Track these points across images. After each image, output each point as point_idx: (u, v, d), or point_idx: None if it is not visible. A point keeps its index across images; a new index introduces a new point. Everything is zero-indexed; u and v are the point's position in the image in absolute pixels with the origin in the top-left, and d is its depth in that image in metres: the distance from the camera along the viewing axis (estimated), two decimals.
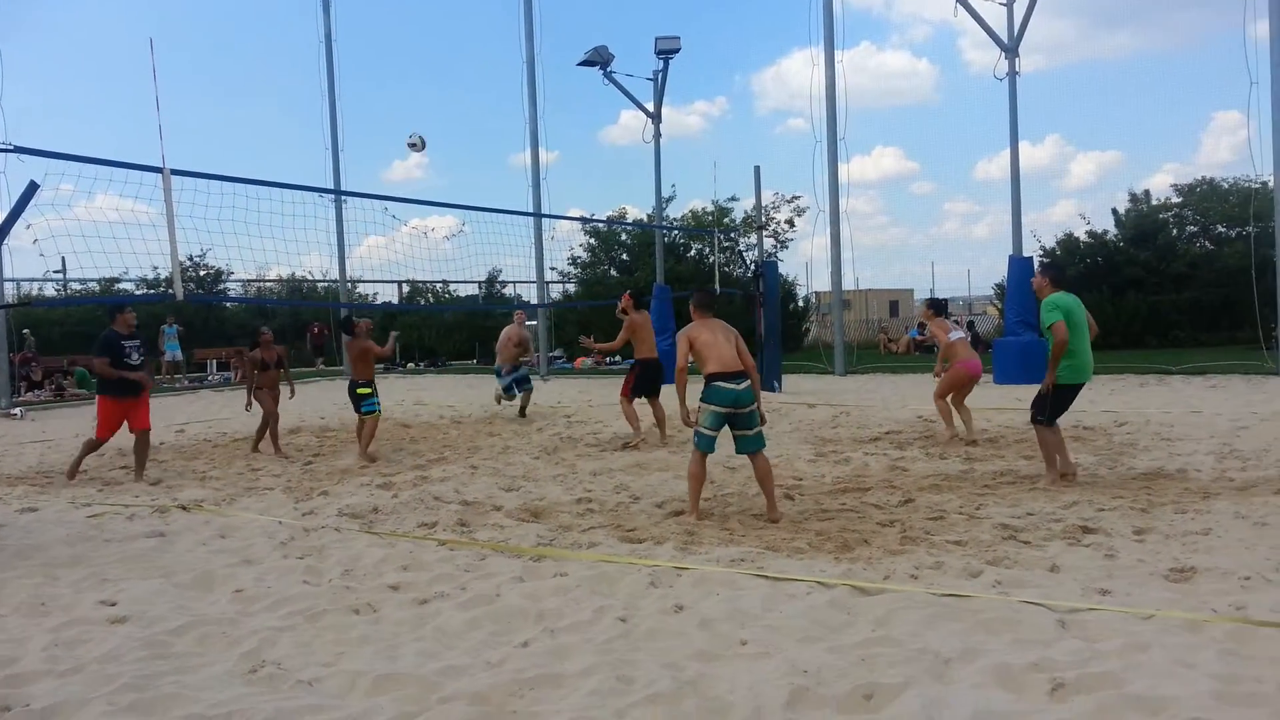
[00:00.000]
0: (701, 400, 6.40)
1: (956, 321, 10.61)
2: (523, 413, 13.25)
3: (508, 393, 13.20)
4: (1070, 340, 6.92)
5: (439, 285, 31.44)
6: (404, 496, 7.35)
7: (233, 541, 6.12)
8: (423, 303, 31.70)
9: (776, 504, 6.41)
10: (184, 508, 7.24)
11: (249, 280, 30.05)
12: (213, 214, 9.64)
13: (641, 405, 10.40)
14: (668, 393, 8.82)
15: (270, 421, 10.50)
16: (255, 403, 10.49)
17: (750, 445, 6.41)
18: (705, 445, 6.43)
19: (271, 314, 31.61)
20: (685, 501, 6.91)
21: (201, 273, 28.53)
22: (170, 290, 9.17)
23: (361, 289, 31.61)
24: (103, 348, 8.70)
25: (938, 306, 10.61)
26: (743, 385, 6.31)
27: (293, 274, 29.93)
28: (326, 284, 30.88)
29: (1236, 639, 3.77)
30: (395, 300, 30.57)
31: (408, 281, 30.36)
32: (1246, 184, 21.91)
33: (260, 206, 10.23)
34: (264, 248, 11.16)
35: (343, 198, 18.95)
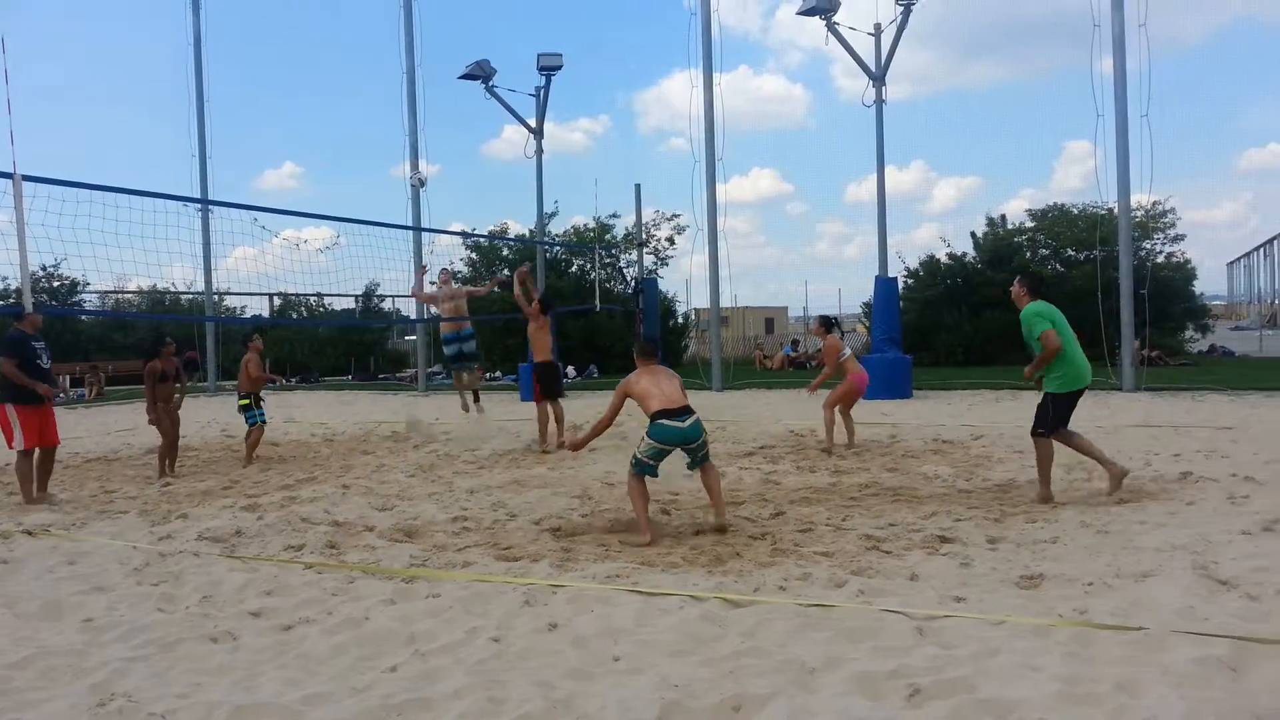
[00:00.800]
0: (647, 434, 6.40)
1: (842, 333, 11.23)
2: (477, 399, 12.86)
3: (455, 363, 12.60)
4: (1062, 347, 6.93)
5: (313, 298, 30.59)
6: (270, 518, 7.09)
7: (83, 568, 5.79)
8: (295, 316, 30.74)
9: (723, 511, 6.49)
10: (29, 532, 6.81)
11: (107, 292, 28.58)
12: (68, 222, 9.14)
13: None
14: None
15: (169, 442, 10.09)
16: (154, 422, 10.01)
17: (701, 461, 6.54)
18: (642, 470, 6.40)
19: (130, 328, 30.12)
20: (562, 519, 6.91)
21: (55, 284, 26.97)
22: (19, 302, 8.63)
23: (229, 301, 30.50)
24: (12, 347, 8.15)
25: (829, 323, 11.06)
26: (688, 421, 6.35)
27: (154, 285, 28.59)
28: (192, 296, 29.63)
29: (1079, 642, 3.99)
30: (266, 313, 29.55)
31: (279, 294, 29.46)
32: (1094, 210, 23.37)
33: (120, 215, 9.75)
34: (124, 258, 10.64)
35: (210, 207, 18.22)
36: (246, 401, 10.60)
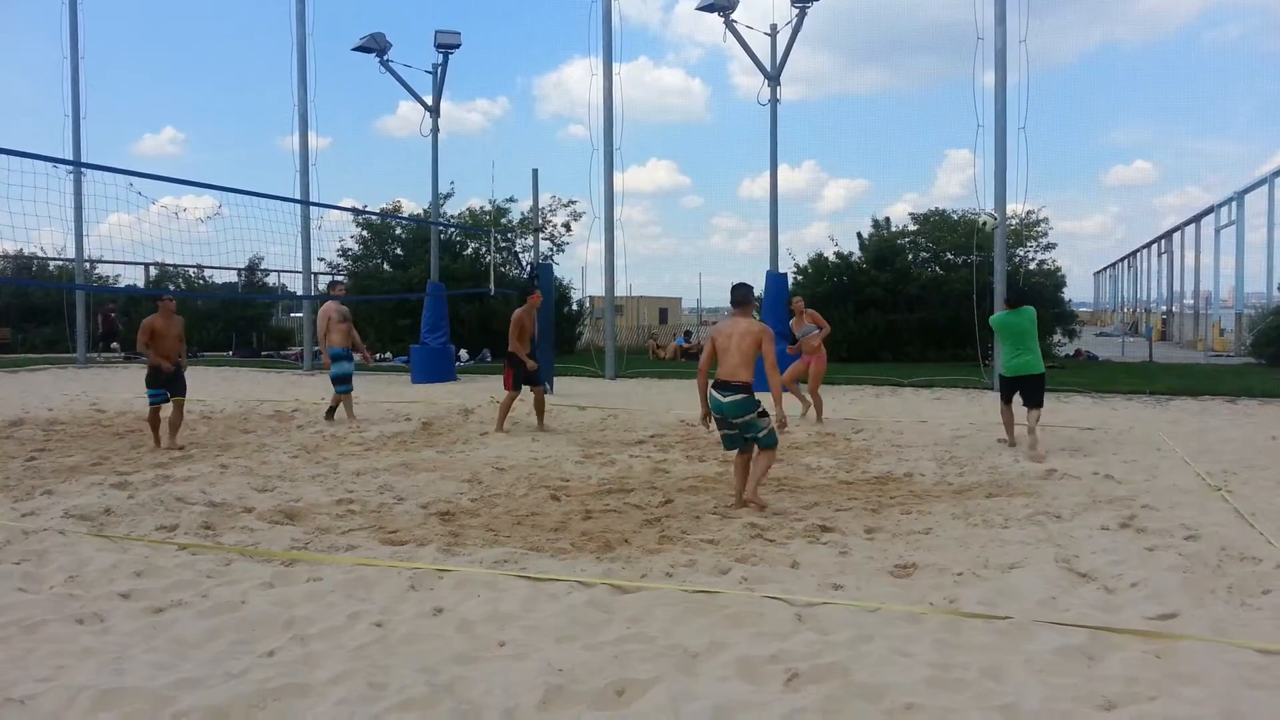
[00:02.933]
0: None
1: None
2: (331, 415, 11.84)
3: (340, 385, 11.66)
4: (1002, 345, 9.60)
5: (193, 270, 29.37)
6: (141, 497, 6.80)
7: None
8: (173, 288, 29.44)
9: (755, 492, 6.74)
10: None
11: None
12: None
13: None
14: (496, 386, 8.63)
15: None
16: None
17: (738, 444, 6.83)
18: (726, 445, 6.89)
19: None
20: (450, 503, 6.86)
21: None
22: None
23: (102, 270, 29.00)
24: None
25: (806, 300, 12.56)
26: (728, 398, 6.64)
27: (20, 250, 26.97)
28: (61, 263, 28.07)
29: (949, 629, 4.19)
30: (141, 283, 28.22)
31: (156, 264, 28.16)
32: (972, 216, 24.29)
33: None
34: None
35: (83, 170, 17.29)
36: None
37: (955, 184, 49.48)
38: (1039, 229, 25.24)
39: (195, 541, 5.65)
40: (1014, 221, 22.72)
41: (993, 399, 15.16)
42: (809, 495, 7.20)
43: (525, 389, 11.07)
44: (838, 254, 25.94)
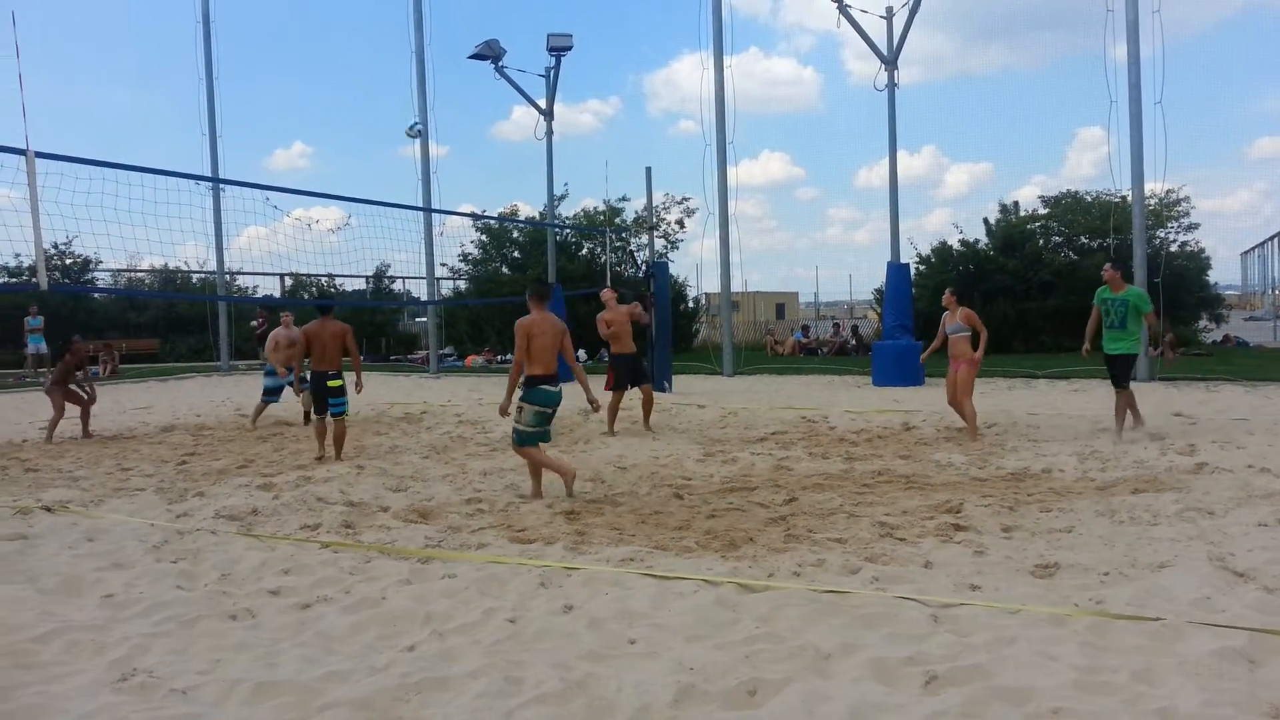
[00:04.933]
0: (525, 400, 7.03)
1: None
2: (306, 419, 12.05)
3: (270, 398, 12.22)
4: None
5: (324, 279, 30.65)
6: (285, 498, 7.14)
7: (101, 545, 5.84)
8: (306, 296, 30.80)
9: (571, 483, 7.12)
10: (48, 509, 6.87)
11: (119, 270, 28.67)
12: (80, 199, 9.23)
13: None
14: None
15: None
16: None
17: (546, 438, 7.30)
18: (532, 441, 7.07)
19: (144, 305, 30.24)
20: (575, 500, 6.94)
21: (68, 261, 27.07)
22: (34, 279, 8.68)
23: (241, 281, 30.59)
24: None
25: (962, 293, 10.26)
26: (558, 388, 7.16)
27: (166, 264, 28.69)
28: (203, 275, 29.72)
29: (1095, 631, 4.00)
30: (277, 293, 29.62)
31: (290, 274, 29.53)
32: (1108, 198, 23.21)
33: (132, 193, 9.84)
34: (135, 236, 10.73)
35: (221, 186, 18.27)
36: (340, 384, 9.33)
37: (1087, 164, 47.39)
38: (1179, 209, 23.97)
39: (337, 540, 5.89)
40: (1153, 201, 21.61)
41: (1137, 390, 14.42)
42: (940, 493, 7.00)
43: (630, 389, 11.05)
44: (962, 241, 25.21)
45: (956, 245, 25.22)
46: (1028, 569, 4.96)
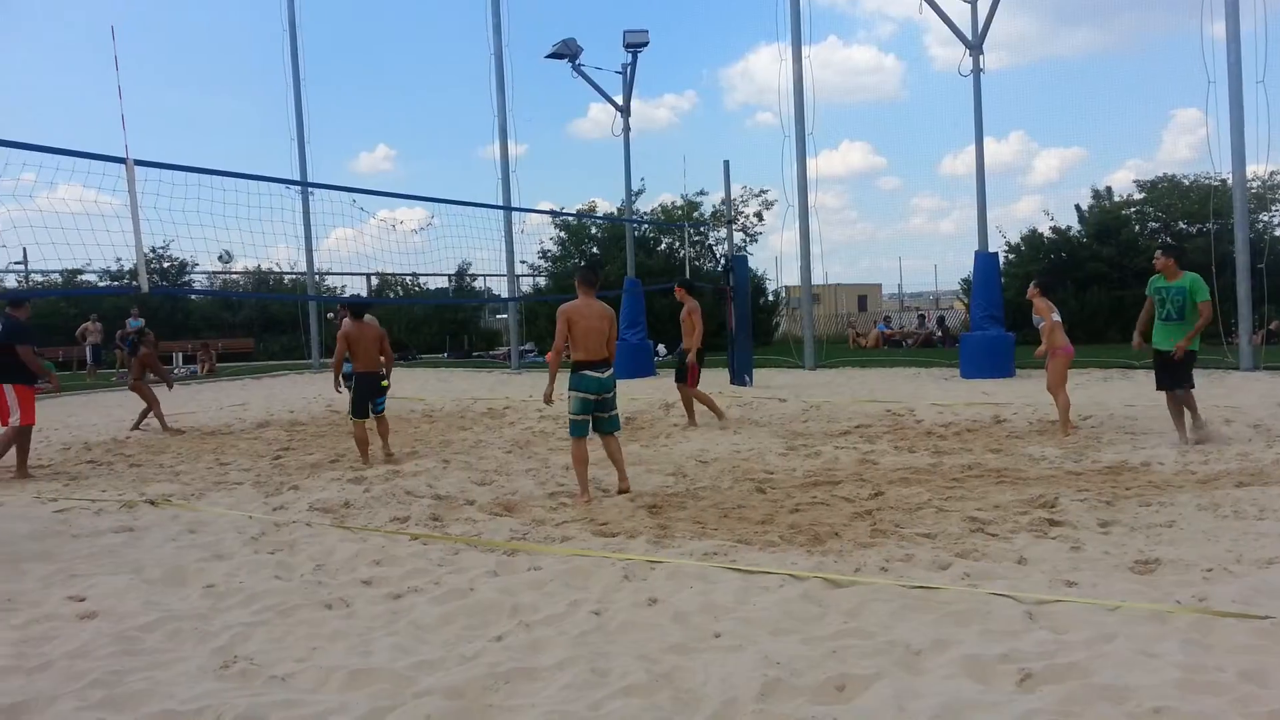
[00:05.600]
0: (570, 389, 6.91)
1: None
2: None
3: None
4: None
5: (408, 278, 31.31)
6: (376, 491, 7.31)
7: (202, 536, 6.07)
8: (392, 295, 31.50)
9: (626, 475, 7.17)
10: (152, 502, 7.17)
11: (214, 272, 29.73)
12: (177, 205, 9.55)
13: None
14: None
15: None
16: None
17: (609, 427, 7.05)
18: (578, 431, 6.91)
19: (238, 307, 31.29)
20: (657, 496, 6.95)
21: (166, 264, 28.16)
22: (135, 282, 9.05)
23: (330, 281, 31.43)
24: (25, 334, 8.73)
25: (1048, 285, 9.88)
26: (607, 373, 6.94)
27: (259, 266, 29.65)
28: (294, 276, 30.60)
29: (1199, 629, 3.85)
30: (364, 293, 30.34)
31: (376, 274, 30.23)
32: (1206, 181, 22.31)
33: (225, 198, 10.15)
34: (229, 239, 11.18)
35: (309, 189, 18.77)
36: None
37: (1184, 147, 45.38)
38: None
39: (425, 532, 6.01)
40: (1255, 184, 20.68)
41: (1239, 380, 13.88)
42: (1033, 487, 6.81)
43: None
44: (1054, 229, 24.51)
45: (1047, 233, 24.54)
46: (1127, 565, 4.79)
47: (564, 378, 7.03)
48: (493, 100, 21.70)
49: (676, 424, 10.94)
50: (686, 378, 10.74)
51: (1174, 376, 8.35)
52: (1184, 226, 23.46)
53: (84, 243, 9.37)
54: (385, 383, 9.22)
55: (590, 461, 7.14)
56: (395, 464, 8.77)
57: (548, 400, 7.09)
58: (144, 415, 12.12)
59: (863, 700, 3.35)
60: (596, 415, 6.98)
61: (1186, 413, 8.44)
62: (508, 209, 20.75)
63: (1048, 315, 9.49)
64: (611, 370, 7.01)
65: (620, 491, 6.97)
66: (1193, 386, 8.40)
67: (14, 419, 8.70)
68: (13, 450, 8.82)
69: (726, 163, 18.26)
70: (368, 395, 9.10)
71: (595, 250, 28.87)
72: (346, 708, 3.41)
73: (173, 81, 55.74)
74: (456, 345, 30.40)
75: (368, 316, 9.52)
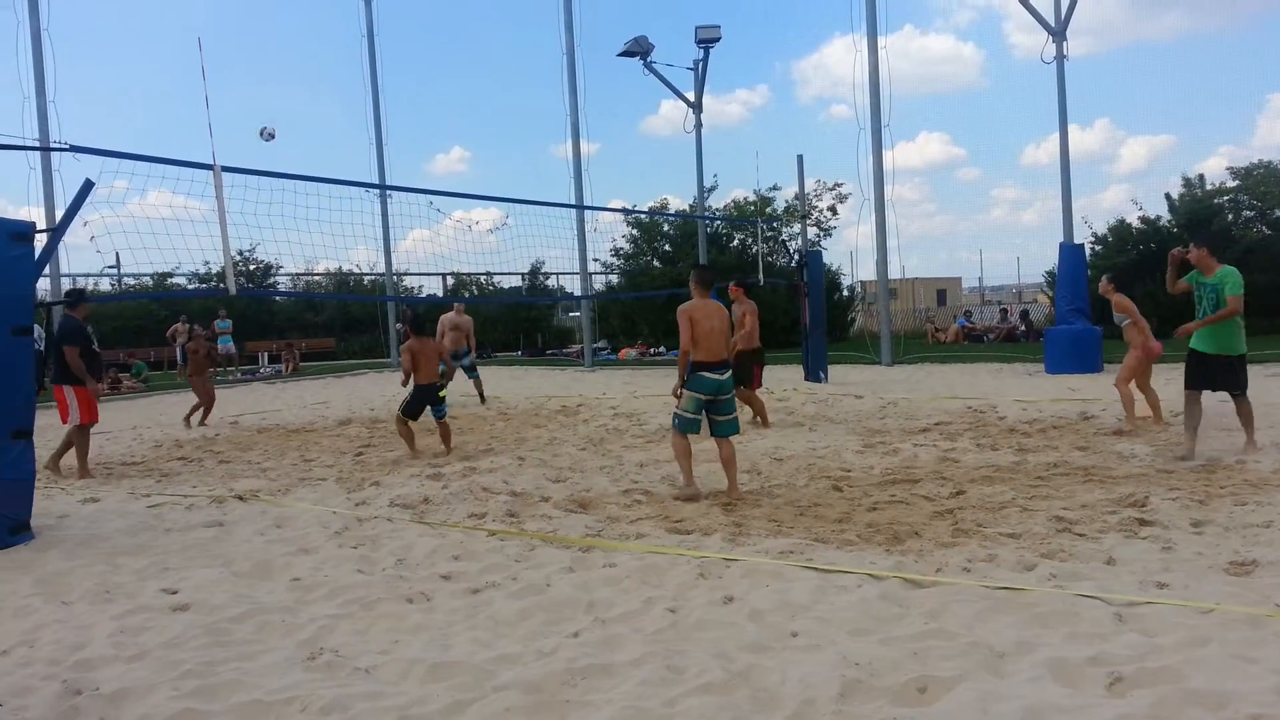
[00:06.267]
0: (685, 387, 6.82)
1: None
2: (482, 399, 14.30)
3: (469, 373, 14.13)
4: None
5: (483, 277, 31.70)
6: (453, 487, 7.43)
7: (289, 531, 6.24)
8: (467, 295, 31.94)
9: (737, 485, 6.88)
10: (241, 498, 7.39)
11: (297, 274, 30.53)
12: (262, 209, 9.82)
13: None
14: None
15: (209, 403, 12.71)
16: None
17: (725, 430, 6.91)
18: (687, 427, 6.84)
19: (320, 307, 32.07)
20: (732, 493, 6.91)
21: (251, 267, 29.02)
22: (223, 285, 9.34)
23: (407, 282, 32.02)
24: (74, 335, 8.63)
25: (1120, 280, 9.96)
26: (725, 375, 6.82)
27: (340, 267, 30.35)
28: (373, 277, 31.24)
29: None
30: (440, 293, 30.83)
31: (452, 274, 30.69)
32: None
33: (308, 201, 10.42)
34: (312, 242, 11.41)
35: (388, 192, 19.14)
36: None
37: None
38: None
39: (502, 528, 6.08)
40: None
41: None
42: (1122, 486, 6.59)
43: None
44: (1142, 219, 23.70)
45: (1136, 223, 23.74)
46: (1221, 566, 4.61)
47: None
48: (565, 99, 21.87)
49: (751, 421, 10.87)
50: (749, 381, 10.28)
51: (1224, 379, 7.48)
52: None
53: (174, 247, 9.76)
54: (443, 393, 9.70)
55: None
56: (463, 458, 8.98)
57: (676, 392, 7.04)
58: (194, 409, 12.77)
59: (944, 703, 3.29)
60: (713, 418, 6.88)
61: (1239, 423, 7.63)
62: (580, 207, 20.88)
63: (1132, 311, 9.37)
64: (729, 373, 6.92)
65: (730, 501, 6.64)
66: (1240, 393, 7.49)
67: (73, 418, 8.78)
68: (72, 450, 9.02)
69: (800, 157, 18.11)
70: (424, 402, 9.54)
71: (668, 248, 28.85)
72: (428, 700, 3.48)
73: (256, 87, 57.42)
74: (530, 343, 30.70)
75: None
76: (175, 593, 4.91)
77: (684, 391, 6.84)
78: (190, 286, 26.41)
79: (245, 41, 53.56)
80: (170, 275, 25.84)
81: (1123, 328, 9.57)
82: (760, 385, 10.72)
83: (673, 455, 7.17)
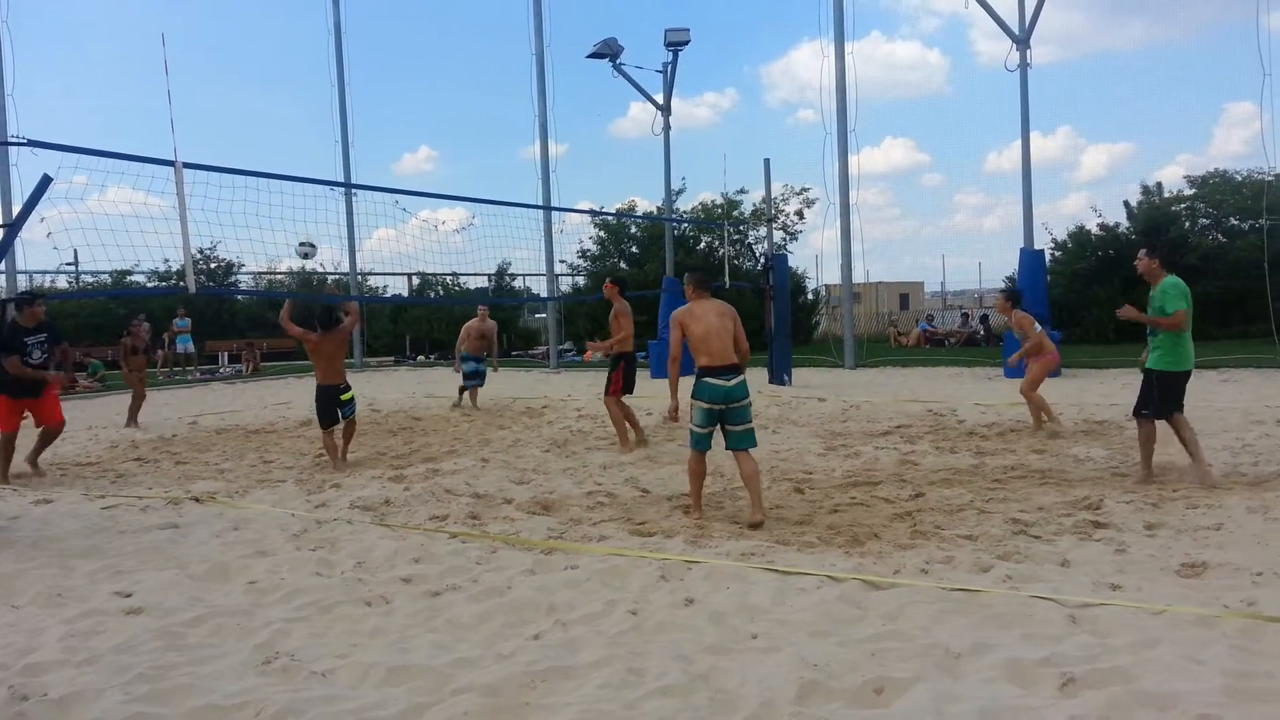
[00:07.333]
0: (692, 397, 6.25)
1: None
2: (475, 406, 13.76)
3: (470, 380, 13.72)
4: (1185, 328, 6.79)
5: (449, 277, 31.53)
6: (415, 489, 7.38)
7: (246, 533, 6.16)
8: (433, 295, 31.76)
9: (761, 505, 6.11)
10: (197, 499, 7.29)
11: (259, 273, 30.16)
12: (224, 207, 9.63)
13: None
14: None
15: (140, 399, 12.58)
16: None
17: (740, 442, 6.22)
18: (700, 444, 6.27)
19: (282, 307, 31.70)
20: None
21: (212, 265, 28.63)
22: (182, 283, 9.19)
23: (372, 281, 31.76)
24: (7, 344, 8.22)
25: (1016, 297, 10.42)
26: (734, 381, 6.15)
27: (303, 267, 29.99)
28: (337, 276, 30.94)
29: (1248, 635, 3.76)
30: (405, 293, 30.62)
31: (418, 274, 30.50)
32: (1260, 176, 21.80)
33: (271, 199, 10.22)
34: (274, 240, 11.28)
35: (353, 190, 18.98)
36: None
37: (1237, 141, 44.48)
38: None
39: (464, 530, 6.05)
40: None
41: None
42: (1078, 489, 6.70)
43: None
44: (1101, 225, 24.11)
45: (1095, 230, 24.14)
46: (1173, 568, 4.70)
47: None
48: (534, 100, 21.81)
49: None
50: (609, 388, 9.56)
51: (1145, 399, 6.93)
52: (1236, 223, 22.97)
53: (133, 244, 9.49)
54: (347, 395, 8.95)
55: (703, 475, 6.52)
56: (347, 469, 8.60)
57: (673, 417, 6.56)
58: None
59: (901, 704, 3.32)
60: (726, 428, 6.20)
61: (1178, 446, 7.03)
62: (547, 209, 20.82)
63: (1028, 327, 9.83)
64: (741, 378, 6.20)
65: (751, 525, 5.91)
66: (1147, 414, 6.91)
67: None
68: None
69: (767, 161, 18.19)
70: (331, 405, 8.88)
71: (635, 249, 28.88)
72: (385, 703, 3.45)
73: (220, 84, 56.68)
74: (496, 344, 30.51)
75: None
76: (129, 596, 4.83)
77: (691, 403, 6.26)
78: (150, 285, 26.00)
79: (210, 37, 52.86)
80: (129, 273, 25.41)
81: (1023, 341, 9.98)
82: (619, 394, 9.55)
83: (640, 457, 7.11)
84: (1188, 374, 6.98)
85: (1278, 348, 15.00)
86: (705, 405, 6.18)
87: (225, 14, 52.85)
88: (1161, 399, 6.84)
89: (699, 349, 6.21)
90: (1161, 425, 6.95)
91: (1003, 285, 28.34)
